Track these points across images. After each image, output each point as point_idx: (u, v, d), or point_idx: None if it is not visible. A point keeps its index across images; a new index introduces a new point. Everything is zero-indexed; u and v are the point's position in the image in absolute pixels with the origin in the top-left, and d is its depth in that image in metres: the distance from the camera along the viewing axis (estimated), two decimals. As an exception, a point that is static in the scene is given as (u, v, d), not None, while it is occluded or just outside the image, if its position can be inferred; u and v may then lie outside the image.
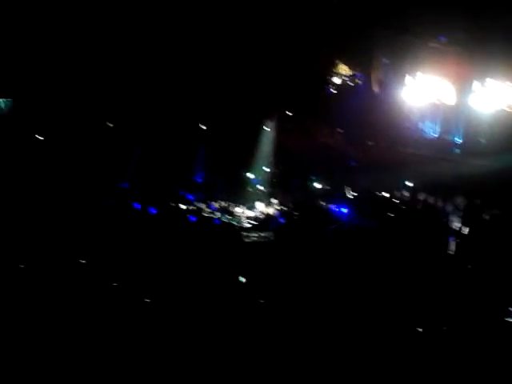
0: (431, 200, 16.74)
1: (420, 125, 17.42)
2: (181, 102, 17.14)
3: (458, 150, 17.14)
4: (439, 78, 16.82)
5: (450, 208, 16.24)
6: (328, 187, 17.93)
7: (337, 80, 17.92)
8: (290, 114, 18.48)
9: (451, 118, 17.02)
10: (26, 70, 16.39)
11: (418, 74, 17.00)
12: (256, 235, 15.90)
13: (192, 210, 17.30)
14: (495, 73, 16.28)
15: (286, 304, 11.93)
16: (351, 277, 13.16)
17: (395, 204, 17.34)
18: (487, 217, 15.79)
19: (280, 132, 18.23)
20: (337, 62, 17.93)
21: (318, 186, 18.02)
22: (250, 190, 18.26)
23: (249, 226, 16.76)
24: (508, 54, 15.66)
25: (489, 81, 16.40)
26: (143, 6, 15.96)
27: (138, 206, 16.59)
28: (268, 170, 18.31)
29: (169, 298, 11.84)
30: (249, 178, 18.37)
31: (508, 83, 16.61)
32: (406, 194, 17.41)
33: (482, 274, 13.25)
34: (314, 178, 18.05)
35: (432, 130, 17.36)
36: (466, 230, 15.64)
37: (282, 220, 16.94)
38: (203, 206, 17.43)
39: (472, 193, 16.22)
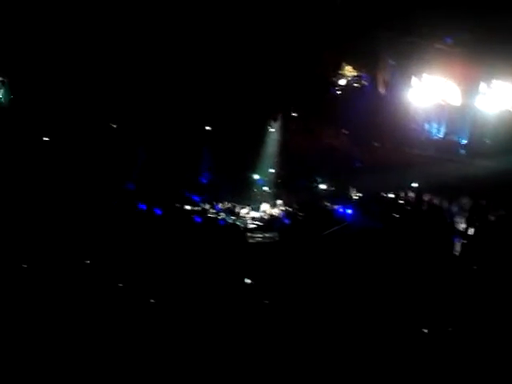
0: (437, 201, 16.71)
1: (425, 126, 17.38)
2: (186, 103, 17.17)
3: (463, 151, 17.10)
4: (445, 79, 16.79)
5: (455, 209, 16.22)
6: (333, 188, 17.91)
7: (342, 81, 17.92)
8: (296, 115, 18.49)
9: (457, 118, 16.97)
10: (32, 70, 16.49)
11: (424, 75, 16.97)
12: (261, 236, 15.92)
13: (197, 210, 17.32)
14: (501, 74, 16.23)
15: (290, 304, 11.94)
16: (357, 277, 13.16)
17: (401, 205, 17.32)
18: (493, 217, 15.76)
19: (285, 133, 18.22)
20: (342, 63, 17.92)
21: (323, 186, 18.00)
22: (255, 190, 18.25)
23: (254, 226, 16.78)
24: (513, 55, 15.65)
25: (494, 82, 16.36)
26: (150, 8, 16.02)
27: (143, 206, 16.63)
28: (273, 170, 18.30)
29: (174, 298, 11.88)
30: (254, 179, 18.36)
31: (513, 84, 16.59)
32: (412, 194, 17.38)
33: (487, 275, 13.22)
34: (319, 179, 18.03)
35: (437, 131, 17.32)
36: (471, 231, 15.61)
37: (286, 221, 16.94)
38: (208, 206, 17.45)
39: (477, 193, 16.19)
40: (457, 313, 11.67)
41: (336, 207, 17.15)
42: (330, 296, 12.37)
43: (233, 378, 9.30)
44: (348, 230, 16.10)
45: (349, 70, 17.96)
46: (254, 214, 17.13)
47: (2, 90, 16.89)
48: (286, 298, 12.35)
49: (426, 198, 16.96)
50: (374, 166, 17.07)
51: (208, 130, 18.37)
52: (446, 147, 17.23)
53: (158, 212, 16.67)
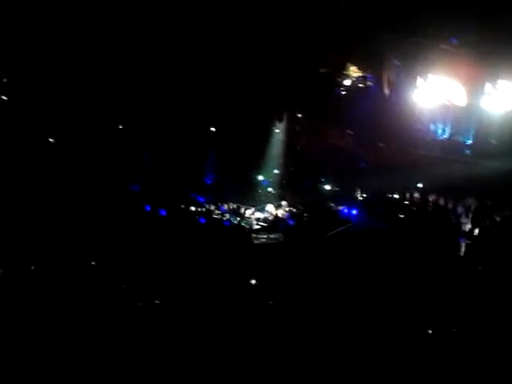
0: (442, 201, 16.67)
1: (431, 126, 17.33)
2: (191, 104, 17.20)
3: (468, 152, 17.05)
4: (450, 80, 16.74)
5: (460, 209, 16.17)
6: (338, 189, 17.90)
7: (347, 82, 17.90)
8: (301, 115, 18.49)
9: (462, 119, 16.91)
10: (38, 73, 16.55)
11: (429, 75, 16.93)
12: (265, 237, 15.92)
13: (202, 211, 17.34)
14: (506, 74, 16.17)
15: (295, 305, 11.93)
16: (362, 278, 13.14)
17: (406, 205, 17.29)
18: (498, 218, 15.71)
19: (290, 134, 18.24)
20: (347, 63, 17.91)
21: (328, 187, 17.99)
22: (260, 191, 18.27)
23: (258, 227, 16.78)
24: (519, 56, 15.60)
25: (500, 82, 16.30)
26: (154, 10, 16.05)
27: (148, 208, 16.66)
28: (278, 171, 18.31)
29: (179, 299, 11.90)
30: (259, 180, 18.38)
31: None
32: (417, 195, 17.35)
33: (492, 276, 13.18)
34: (324, 180, 18.02)
35: (443, 132, 17.28)
36: (476, 232, 15.57)
37: (291, 222, 16.94)
38: (213, 207, 17.46)
39: (483, 194, 16.14)
40: (462, 313, 11.63)
41: (341, 208, 17.14)
42: (335, 297, 12.36)
43: (237, 378, 9.31)
44: (353, 231, 16.08)
45: (354, 71, 17.95)
46: (258, 214, 17.14)
47: None
48: (291, 299, 12.34)
49: (432, 198, 16.93)
50: (379, 167, 17.05)
51: (213, 131, 18.39)
52: (452, 148, 17.19)
53: (163, 213, 16.69)
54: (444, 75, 16.77)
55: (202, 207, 17.43)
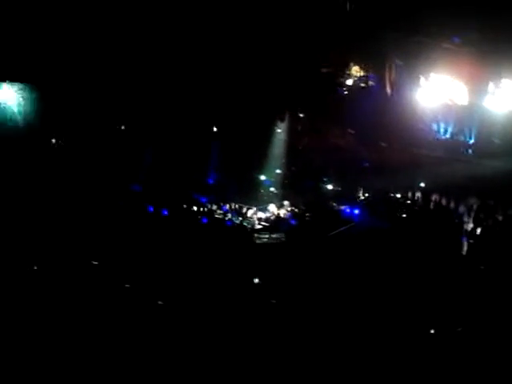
0: (444, 201, 16.64)
1: (433, 126, 17.30)
2: (193, 105, 17.20)
3: (471, 151, 17.00)
4: (452, 79, 16.69)
5: (463, 209, 16.14)
6: (340, 189, 17.87)
7: (349, 81, 17.87)
8: (303, 115, 18.47)
9: (464, 118, 16.87)
10: (42, 75, 16.59)
11: (432, 74, 16.89)
12: (268, 236, 15.91)
13: (205, 211, 17.34)
14: (508, 73, 16.13)
15: (298, 304, 11.94)
16: (364, 277, 13.13)
17: (408, 205, 17.27)
18: (500, 217, 15.67)
19: (292, 133, 18.22)
20: (349, 63, 17.88)
21: (330, 187, 17.96)
22: (262, 191, 18.24)
23: (261, 227, 16.77)
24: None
25: (502, 81, 16.25)
26: (158, 11, 16.07)
27: (151, 208, 16.68)
28: (280, 171, 18.29)
29: (181, 298, 11.92)
30: (261, 180, 18.36)
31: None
32: (419, 194, 17.32)
33: (495, 275, 13.16)
34: (326, 180, 17.99)
35: (445, 131, 17.24)
36: (479, 231, 15.54)
37: (293, 221, 16.92)
38: (216, 207, 17.45)
39: (485, 193, 16.10)
40: (465, 312, 11.61)
41: (343, 207, 17.11)
42: (338, 296, 12.36)
43: (240, 376, 9.32)
44: (355, 231, 16.06)
45: (356, 70, 17.92)
46: (260, 214, 17.12)
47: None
48: (293, 299, 12.35)
49: (434, 198, 16.89)
50: (381, 167, 17.01)
51: (215, 131, 18.39)
52: (454, 147, 17.15)
53: (166, 213, 16.71)
54: (446, 74, 16.74)
55: (204, 207, 17.43)
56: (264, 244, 15.76)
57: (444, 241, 14.89)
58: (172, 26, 16.22)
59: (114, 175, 16.90)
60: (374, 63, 17.68)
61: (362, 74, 17.88)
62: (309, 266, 13.89)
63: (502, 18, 14.97)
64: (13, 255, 12.95)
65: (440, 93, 16.93)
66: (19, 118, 16.98)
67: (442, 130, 17.25)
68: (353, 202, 17.23)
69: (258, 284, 13.60)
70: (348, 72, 17.93)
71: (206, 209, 17.37)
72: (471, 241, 15.20)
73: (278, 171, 18.27)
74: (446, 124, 17.17)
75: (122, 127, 18.08)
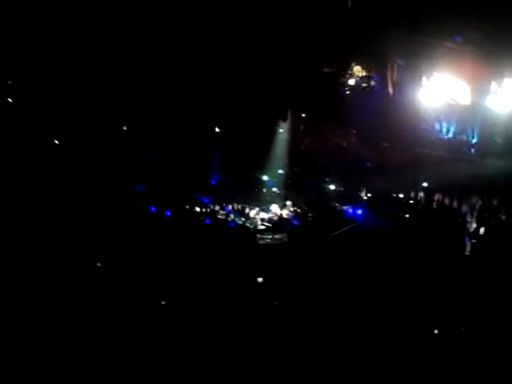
0: (447, 201, 16.63)
1: (435, 125, 17.27)
2: (196, 105, 17.19)
3: (473, 151, 16.98)
4: (455, 78, 16.67)
5: (466, 208, 16.12)
6: (343, 189, 17.86)
7: (351, 81, 17.84)
8: (305, 115, 18.46)
9: (467, 118, 16.84)
10: (45, 74, 16.58)
11: (434, 74, 16.86)
12: (270, 237, 15.92)
13: (207, 212, 17.34)
14: (511, 72, 16.10)
15: (301, 305, 11.94)
16: (367, 278, 13.13)
17: (411, 205, 17.26)
18: (504, 217, 15.66)
19: (294, 133, 18.20)
20: (351, 63, 17.86)
21: (332, 187, 17.96)
22: (265, 191, 18.25)
23: (263, 227, 16.77)
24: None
25: (505, 80, 16.22)
26: (159, 11, 16.06)
27: (153, 208, 16.68)
28: (282, 171, 18.29)
29: (185, 299, 11.93)
30: (263, 180, 18.36)
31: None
32: (422, 194, 17.31)
33: (498, 275, 13.15)
34: (328, 180, 17.99)
35: (447, 131, 17.22)
36: (482, 231, 15.52)
37: (296, 222, 16.92)
38: (218, 208, 17.46)
39: (488, 193, 16.09)
40: (468, 312, 11.61)
41: (346, 208, 17.11)
42: (340, 296, 12.36)
43: (244, 376, 9.33)
44: (358, 231, 16.06)
45: (358, 70, 17.88)
46: (263, 215, 17.12)
47: None
48: (296, 299, 12.35)
49: (437, 197, 16.88)
50: (383, 166, 16.99)
51: (217, 132, 18.38)
52: (457, 147, 17.12)
53: (168, 213, 16.71)
54: (448, 74, 16.70)
55: (206, 208, 17.43)
56: (267, 244, 15.77)
57: (447, 241, 14.89)
58: (174, 27, 16.20)
59: (117, 176, 16.90)
60: (376, 63, 17.65)
61: (363, 73, 17.83)
62: (312, 266, 13.90)
63: (505, 17, 14.94)
64: (18, 256, 12.96)
65: (442, 92, 16.89)
66: (22, 118, 16.99)
67: (444, 130, 17.22)
68: (355, 202, 17.23)
69: (261, 284, 13.61)
70: (350, 72, 17.89)
71: (208, 209, 17.38)
72: (474, 240, 15.19)
73: (280, 171, 18.26)
74: (449, 123, 17.14)
75: (125, 128, 18.05)
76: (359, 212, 16.85)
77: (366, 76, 17.76)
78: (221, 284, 12.91)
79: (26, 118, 16.89)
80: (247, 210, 17.25)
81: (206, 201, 17.58)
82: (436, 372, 9.60)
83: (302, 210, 17.28)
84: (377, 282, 13.00)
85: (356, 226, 16.27)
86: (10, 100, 17.04)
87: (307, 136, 18.37)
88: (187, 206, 17.34)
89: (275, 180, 18.29)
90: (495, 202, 16.01)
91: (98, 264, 13.60)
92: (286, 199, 17.59)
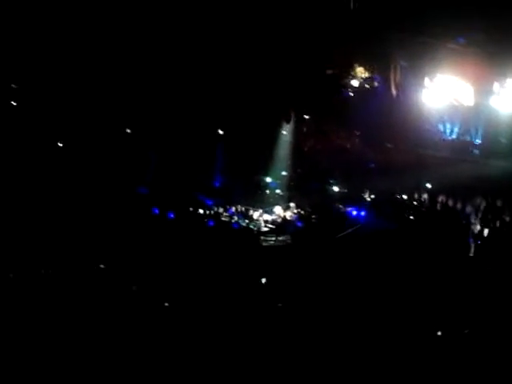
0: (451, 202, 16.61)
1: (439, 126, 17.26)
2: (199, 107, 17.21)
3: (477, 151, 16.97)
4: (458, 79, 16.66)
5: (470, 210, 16.10)
6: (346, 190, 17.85)
7: (355, 83, 17.84)
8: (308, 117, 18.46)
9: (470, 119, 16.83)
10: (49, 77, 16.62)
11: (437, 75, 16.85)
12: (274, 239, 15.92)
13: (211, 214, 17.35)
14: (514, 73, 16.12)
15: (304, 307, 11.93)
16: (371, 279, 13.12)
17: (415, 206, 17.24)
18: (508, 218, 15.63)
19: (298, 135, 18.21)
20: (355, 64, 17.86)
21: (336, 189, 17.95)
22: (268, 193, 18.26)
23: (267, 229, 16.77)
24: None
25: (508, 81, 16.21)
26: (162, 12, 16.09)
27: (157, 210, 16.70)
28: (286, 173, 18.30)
29: (188, 300, 11.93)
30: (267, 182, 18.37)
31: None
32: (426, 195, 17.29)
33: (503, 277, 13.12)
34: (332, 181, 17.98)
35: (451, 132, 17.20)
36: (486, 232, 15.50)
37: (299, 224, 16.92)
38: (222, 210, 17.46)
39: (492, 194, 16.07)
40: (472, 314, 11.58)
41: (349, 209, 17.10)
42: (344, 298, 12.34)
43: (246, 377, 9.33)
44: (362, 232, 16.05)
45: (361, 72, 17.88)
46: (267, 216, 17.13)
47: None
48: (300, 301, 12.34)
49: (441, 198, 16.86)
50: (387, 168, 16.99)
51: (221, 134, 18.39)
52: (460, 147, 17.10)
53: (172, 216, 16.73)
54: (452, 75, 16.69)
55: (210, 210, 17.44)
56: (270, 246, 15.77)
57: (451, 242, 14.87)
58: (176, 28, 16.22)
59: (121, 178, 16.93)
60: (379, 64, 17.64)
61: (367, 75, 17.83)
62: (316, 268, 13.88)
63: (508, 19, 14.91)
64: (19, 258, 12.99)
65: (445, 93, 16.88)
66: (25, 120, 17.04)
67: (448, 131, 17.20)
68: (359, 203, 17.22)
69: (264, 286, 13.60)
70: (353, 73, 17.88)
71: (212, 211, 17.39)
72: (479, 242, 15.17)
73: (283, 173, 18.28)
74: (452, 124, 17.13)
75: (128, 130, 18.08)
76: (363, 213, 16.84)
77: (369, 77, 17.75)
78: (225, 285, 12.91)
79: (29, 120, 16.95)
80: (251, 212, 17.26)
81: (210, 203, 17.60)
82: (440, 373, 9.58)
83: (305, 211, 17.28)
84: (381, 283, 12.98)
85: (360, 228, 16.25)
86: (13, 102, 17.11)
87: (311, 138, 18.38)
88: (191, 208, 17.36)
89: (279, 182, 18.31)
90: (499, 203, 15.99)
91: (102, 265, 13.62)
92: (290, 201, 17.61)
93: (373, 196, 17.54)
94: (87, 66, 16.47)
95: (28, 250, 13.48)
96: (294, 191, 17.95)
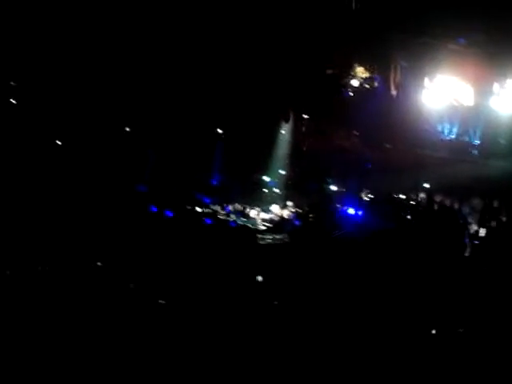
0: (449, 202, 16.58)
1: (438, 127, 17.25)
2: (197, 105, 17.18)
3: (476, 152, 16.97)
4: (458, 80, 16.65)
5: (468, 210, 16.08)
6: (344, 190, 17.82)
7: (354, 82, 17.81)
8: (307, 116, 18.44)
9: (470, 119, 16.85)
10: (47, 75, 16.59)
11: (437, 75, 16.85)
12: (271, 238, 15.86)
13: (208, 212, 17.30)
14: (514, 74, 16.13)
15: (301, 306, 11.86)
16: (368, 279, 13.05)
17: (413, 206, 17.20)
18: (506, 219, 15.61)
19: (296, 134, 18.19)
20: (354, 64, 17.84)
21: (334, 188, 17.92)
22: (266, 192, 18.23)
23: (264, 228, 16.72)
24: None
25: (508, 82, 16.21)
26: (160, 11, 16.06)
27: (154, 208, 16.64)
28: (284, 172, 18.27)
29: (184, 299, 11.85)
30: (265, 181, 18.34)
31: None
32: (424, 196, 17.26)
33: (499, 277, 13.07)
34: (330, 181, 17.95)
35: (450, 132, 17.19)
36: (484, 233, 15.46)
37: (297, 223, 16.87)
38: (219, 208, 17.42)
39: (491, 195, 16.05)
40: (468, 314, 11.52)
41: (347, 209, 17.05)
42: (340, 298, 12.28)
43: (242, 376, 9.25)
44: (359, 232, 16.00)
45: (361, 72, 17.86)
46: (264, 215, 17.08)
47: None
48: (296, 300, 12.27)
49: (439, 199, 16.83)
50: (385, 168, 16.97)
51: (219, 132, 18.36)
52: (459, 148, 17.12)
53: (169, 214, 16.67)
54: (452, 75, 16.70)
55: (207, 208, 17.39)
56: (267, 245, 15.71)
57: (449, 242, 14.81)
58: (175, 27, 16.19)
59: (119, 176, 16.88)
60: (379, 64, 17.63)
61: (366, 75, 17.81)
62: (313, 267, 13.82)
63: (508, 20, 14.90)
64: (18, 256, 12.91)
65: (445, 94, 16.88)
66: (22, 118, 16.99)
67: (447, 131, 17.20)
68: (357, 203, 17.18)
69: (261, 284, 13.54)
70: (353, 73, 17.86)
71: (209, 209, 17.34)
72: (476, 242, 15.13)
73: (281, 172, 18.26)
74: (452, 125, 17.13)
75: (127, 129, 18.05)
76: (361, 213, 16.79)
77: (368, 77, 17.74)
78: (221, 284, 12.84)
79: (27, 118, 16.90)
80: (248, 211, 17.22)
81: (208, 201, 17.55)
82: (434, 372, 9.51)
83: (303, 210, 17.24)
84: (377, 282, 12.91)
85: (358, 227, 16.20)
86: (12, 101, 17.07)
87: (309, 137, 18.36)
88: (188, 207, 17.30)
89: (277, 181, 18.28)
90: (498, 204, 15.97)
91: (99, 263, 13.55)
92: (288, 200, 17.57)
93: (371, 196, 17.51)
94: (85, 64, 16.44)
95: (24, 246, 13.40)
96: (292, 190, 17.92)
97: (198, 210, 17.31)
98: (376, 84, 17.75)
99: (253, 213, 17.12)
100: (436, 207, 16.88)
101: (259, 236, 16.00)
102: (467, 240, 15.08)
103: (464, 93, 16.60)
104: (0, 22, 15.41)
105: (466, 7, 14.88)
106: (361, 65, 17.80)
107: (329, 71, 17.83)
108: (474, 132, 16.86)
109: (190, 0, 16.03)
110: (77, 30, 16.02)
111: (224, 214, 17.22)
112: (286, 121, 18.18)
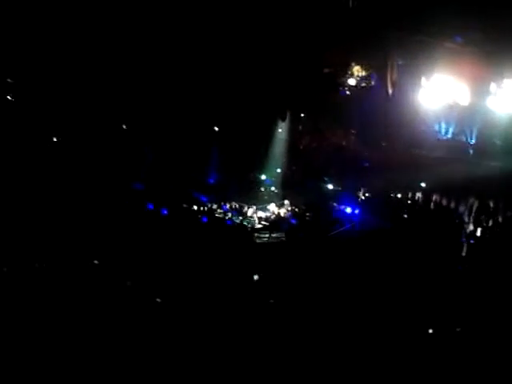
0: (445, 201, 16.62)
1: (435, 126, 17.26)
2: (194, 104, 17.18)
3: (472, 152, 16.98)
4: (454, 79, 16.65)
5: (464, 209, 16.12)
6: (341, 188, 17.85)
7: (351, 81, 17.82)
8: (304, 115, 18.44)
9: (466, 119, 16.85)
10: (45, 74, 16.58)
11: (434, 74, 16.84)
12: (268, 236, 15.89)
13: (205, 210, 17.31)
14: (511, 73, 16.08)
15: (297, 304, 11.90)
16: (364, 278, 13.10)
17: (409, 205, 17.24)
18: (501, 218, 15.66)
19: (293, 133, 18.20)
20: (351, 63, 17.84)
21: (330, 187, 17.95)
22: (263, 190, 18.24)
23: (261, 226, 16.74)
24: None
25: (505, 82, 16.21)
26: (159, 11, 16.06)
27: (151, 206, 16.64)
28: (281, 171, 18.29)
29: (181, 297, 11.89)
30: (261, 179, 18.36)
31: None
32: (420, 195, 17.30)
33: (495, 276, 13.12)
34: (326, 179, 17.98)
35: (446, 132, 17.21)
36: (480, 232, 15.51)
37: (294, 221, 16.89)
38: (216, 206, 17.42)
39: (486, 194, 16.09)
40: (464, 313, 11.58)
41: (344, 207, 17.08)
42: (337, 296, 12.32)
43: (239, 375, 9.30)
44: (356, 231, 16.04)
45: (357, 70, 17.87)
46: (261, 214, 17.09)
47: None
48: (293, 298, 12.31)
49: (435, 198, 16.87)
50: (382, 167, 16.99)
51: (216, 131, 18.36)
52: (455, 148, 17.12)
53: (166, 212, 16.67)
54: (448, 74, 16.70)
55: (204, 206, 17.39)
56: (264, 243, 15.74)
57: (445, 241, 14.86)
58: (173, 26, 16.18)
59: (115, 174, 16.87)
60: (376, 63, 17.63)
61: (363, 73, 17.82)
62: (309, 265, 13.85)
63: (505, 19, 14.92)
64: (16, 255, 12.93)
65: (442, 93, 16.88)
66: (21, 117, 16.99)
67: (443, 131, 17.21)
68: (354, 201, 17.20)
69: (257, 283, 13.57)
70: (349, 72, 17.87)
71: (206, 208, 17.35)
72: (472, 242, 15.17)
73: (278, 171, 18.27)
74: (448, 124, 17.14)
75: (124, 126, 18.04)
76: (357, 212, 16.82)
77: (365, 76, 17.74)
78: (217, 282, 12.87)
79: (25, 116, 16.89)
80: (245, 209, 17.22)
81: (204, 199, 17.55)
82: (431, 371, 9.57)
83: (300, 209, 17.27)
84: (374, 281, 12.96)
85: (354, 226, 16.24)
86: (11, 98, 17.06)
87: (306, 135, 18.38)
88: (185, 205, 17.30)
89: (274, 179, 18.30)
90: (493, 204, 16.01)
91: (96, 261, 13.56)
92: (284, 198, 17.58)
93: (367, 194, 17.54)
94: (84, 63, 16.43)
95: (22, 244, 13.41)
96: (289, 189, 17.94)
97: (195, 208, 17.33)
98: (373, 82, 17.75)
99: (250, 211, 17.13)
100: (432, 206, 16.93)
101: (256, 234, 16.04)
102: (464, 239, 15.15)
103: (460, 92, 16.60)
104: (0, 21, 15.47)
105: (462, 5, 14.88)
106: (357, 63, 17.80)
107: (325, 70, 17.83)
108: (470, 132, 16.87)
109: (189, 0, 16.04)
110: (77, 30, 16.03)
111: (221, 213, 17.23)
112: (283, 119, 18.18)
